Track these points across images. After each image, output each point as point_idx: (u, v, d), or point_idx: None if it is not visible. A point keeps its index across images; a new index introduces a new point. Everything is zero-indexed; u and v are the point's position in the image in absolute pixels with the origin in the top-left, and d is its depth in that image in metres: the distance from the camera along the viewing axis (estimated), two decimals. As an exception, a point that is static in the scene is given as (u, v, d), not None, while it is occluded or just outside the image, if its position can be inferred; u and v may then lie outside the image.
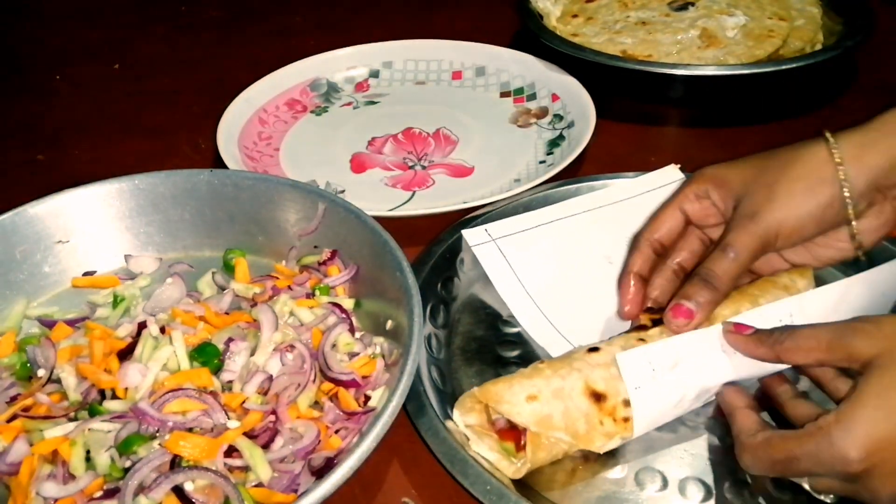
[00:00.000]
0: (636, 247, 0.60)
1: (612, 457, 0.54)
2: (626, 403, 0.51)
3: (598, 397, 0.51)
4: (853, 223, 0.55)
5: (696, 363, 0.52)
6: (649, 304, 0.58)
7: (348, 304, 0.63)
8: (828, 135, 0.55)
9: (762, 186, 0.55)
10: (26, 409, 0.55)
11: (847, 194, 0.54)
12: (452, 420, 0.55)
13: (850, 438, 0.43)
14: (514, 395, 0.51)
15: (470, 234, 0.69)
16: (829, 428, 0.44)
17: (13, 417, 0.54)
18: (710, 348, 0.53)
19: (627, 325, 0.59)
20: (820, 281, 0.59)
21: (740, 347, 0.52)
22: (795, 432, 0.46)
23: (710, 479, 0.52)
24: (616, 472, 0.53)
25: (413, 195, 0.83)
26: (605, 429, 0.51)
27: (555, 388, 0.51)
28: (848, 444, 0.43)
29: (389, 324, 0.59)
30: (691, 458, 0.54)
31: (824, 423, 0.44)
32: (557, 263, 0.67)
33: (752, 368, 0.53)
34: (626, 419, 0.51)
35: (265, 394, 0.56)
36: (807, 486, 0.48)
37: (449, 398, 0.58)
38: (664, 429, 0.55)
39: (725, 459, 0.53)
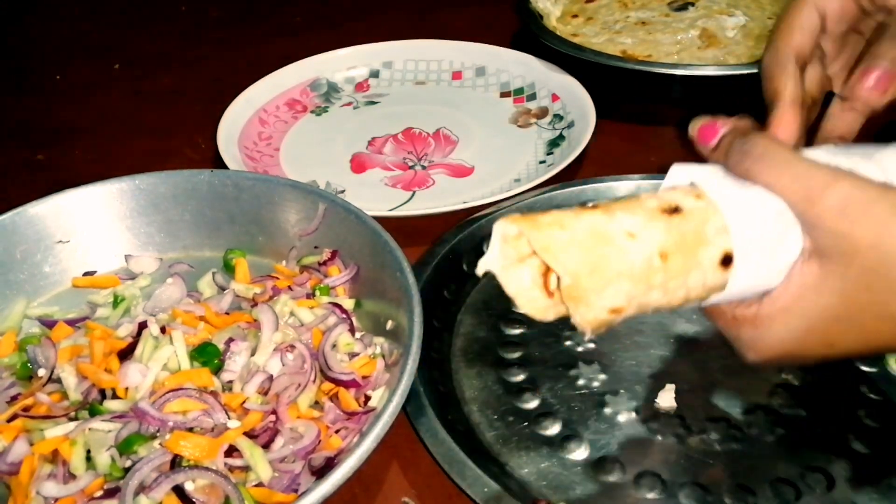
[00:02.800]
0: (782, 67, 0.48)
1: (611, 460, 0.54)
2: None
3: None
4: None
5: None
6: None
7: (348, 304, 0.63)
8: None
9: None
10: (27, 409, 0.55)
11: None
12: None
13: (763, 343, 0.41)
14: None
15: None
16: (750, 323, 0.41)
17: (13, 417, 0.54)
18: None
19: None
20: None
21: None
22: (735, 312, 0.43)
23: (709, 485, 0.52)
24: (615, 476, 0.53)
25: (413, 195, 0.83)
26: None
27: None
28: (758, 349, 0.42)
29: (390, 324, 0.59)
30: (691, 462, 0.54)
31: (750, 314, 0.42)
32: None
33: None
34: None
35: (265, 394, 0.56)
36: None
37: (449, 399, 0.58)
38: (664, 433, 0.55)
39: (725, 465, 0.53)
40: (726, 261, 0.41)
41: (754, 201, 0.41)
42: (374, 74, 1.04)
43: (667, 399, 0.57)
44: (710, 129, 0.45)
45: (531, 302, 0.42)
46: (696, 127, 0.46)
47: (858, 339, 0.40)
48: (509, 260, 0.42)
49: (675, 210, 0.41)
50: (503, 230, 0.41)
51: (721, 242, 0.41)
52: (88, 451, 0.51)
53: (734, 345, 0.43)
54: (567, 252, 0.39)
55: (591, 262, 0.39)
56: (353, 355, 0.59)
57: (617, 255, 0.40)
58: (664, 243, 0.40)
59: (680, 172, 0.45)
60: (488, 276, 0.39)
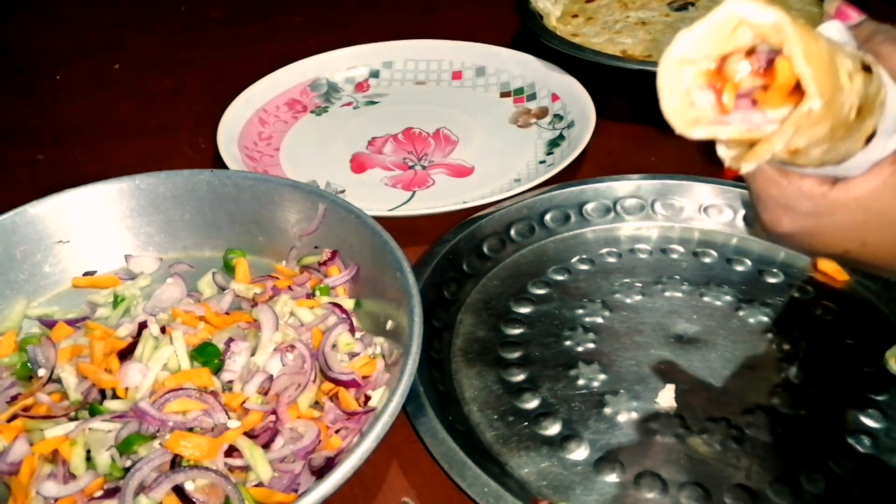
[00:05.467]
0: None
1: (611, 460, 0.54)
2: None
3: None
4: None
5: None
6: None
7: (348, 304, 0.63)
8: None
9: None
10: (27, 409, 0.55)
11: None
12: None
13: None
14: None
15: None
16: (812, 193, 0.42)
17: (13, 417, 0.54)
18: None
19: None
20: None
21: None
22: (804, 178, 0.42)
23: (709, 485, 0.52)
24: (615, 476, 0.53)
25: (413, 195, 0.83)
26: None
27: None
28: (802, 223, 0.43)
29: (390, 324, 0.59)
30: (691, 462, 0.54)
31: (819, 192, 0.42)
32: None
33: None
34: None
35: (265, 394, 0.56)
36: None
37: (449, 399, 0.58)
38: (664, 433, 0.55)
39: (725, 465, 0.53)
40: (869, 138, 0.39)
41: (892, 91, 0.39)
42: (374, 74, 1.04)
43: (667, 399, 0.57)
44: (848, 10, 0.45)
45: (683, 108, 0.40)
46: (835, 4, 0.45)
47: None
48: (696, 55, 0.39)
49: (868, 68, 0.38)
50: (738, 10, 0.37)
51: (876, 117, 0.39)
52: (88, 451, 0.51)
53: (775, 211, 0.44)
54: (823, 76, 0.34)
55: (831, 95, 0.34)
56: (353, 355, 0.59)
57: (842, 94, 0.35)
58: (861, 98, 0.37)
59: (830, 29, 0.43)
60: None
